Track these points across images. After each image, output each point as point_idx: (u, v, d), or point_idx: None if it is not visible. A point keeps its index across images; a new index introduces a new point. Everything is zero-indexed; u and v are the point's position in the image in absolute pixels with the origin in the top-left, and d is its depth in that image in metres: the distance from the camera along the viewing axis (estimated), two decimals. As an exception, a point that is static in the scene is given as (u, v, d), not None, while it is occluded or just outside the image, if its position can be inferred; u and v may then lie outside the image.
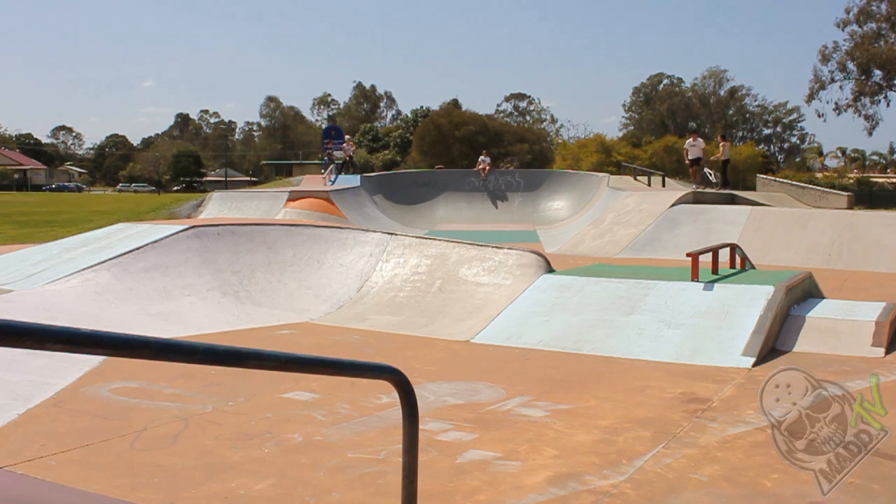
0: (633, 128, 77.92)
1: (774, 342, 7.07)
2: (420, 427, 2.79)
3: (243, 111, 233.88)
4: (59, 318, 7.25)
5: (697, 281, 8.09)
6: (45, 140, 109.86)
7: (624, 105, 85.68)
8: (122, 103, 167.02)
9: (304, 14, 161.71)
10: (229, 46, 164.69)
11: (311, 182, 26.03)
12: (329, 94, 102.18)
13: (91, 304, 8.15)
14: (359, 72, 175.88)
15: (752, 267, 10.37)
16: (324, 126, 67.03)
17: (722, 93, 77.97)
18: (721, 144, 23.26)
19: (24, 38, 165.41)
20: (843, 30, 42.89)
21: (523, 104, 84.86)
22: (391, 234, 10.99)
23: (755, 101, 78.58)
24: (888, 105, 45.08)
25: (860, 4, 42.05)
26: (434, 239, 10.87)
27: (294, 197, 20.96)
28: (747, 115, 78.53)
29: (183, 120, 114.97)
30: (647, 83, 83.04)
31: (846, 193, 26.09)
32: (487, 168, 26.46)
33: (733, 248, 10.38)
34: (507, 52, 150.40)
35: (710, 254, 8.86)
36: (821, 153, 76.80)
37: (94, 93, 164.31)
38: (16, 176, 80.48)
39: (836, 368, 6.24)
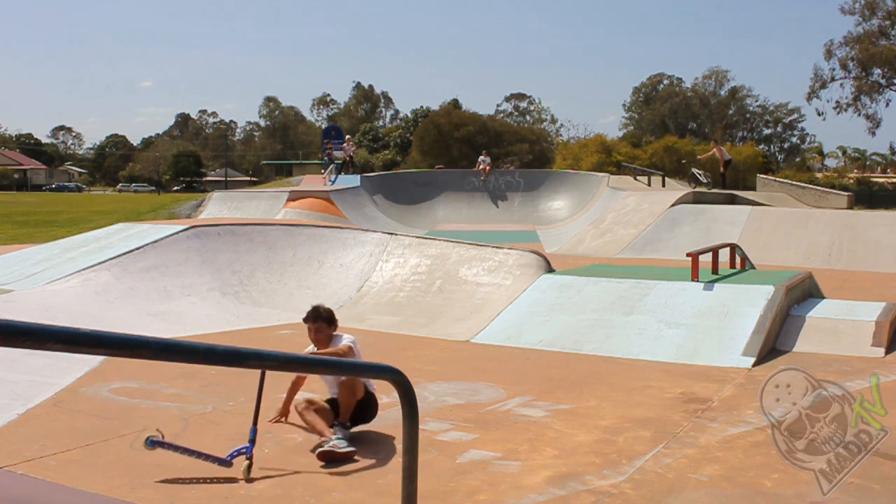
0: (633, 128, 77.83)
1: (774, 342, 7.06)
2: (420, 427, 2.79)
3: (243, 111, 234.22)
4: (59, 318, 7.25)
5: (697, 281, 8.08)
6: (45, 140, 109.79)
7: (624, 105, 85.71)
8: (121, 103, 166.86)
9: (303, 14, 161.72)
10: (229, 46, 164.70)
11: (311, 182, 26.04)
12: (328, 94, 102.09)
13: (91, 304, 8.15)
14: (358, 72, 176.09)
15: (752, 267, 10.37)
16: (323, 126, 67.01)
17: (722, 93, 77.93)
18: (717, 148, 24.34)
19: (24, 38, 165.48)
20: (846, 15, 42.76)
21: (523, 104, 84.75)
22: (391, 234, 10.99)
23: (756, 101, 78.59)
24: (888, 105, 45.05)
25: None
26: (434, 239, 10.87)
27: (294, 197, 20.95)
28: (748, 115, 78.44)
29: (183, 120, 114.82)
30: (647, 83, 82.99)
31: (846, 193, 26.08)
32: (487, 168, 26.45)
33: (733, 248, 10.38)
34: (507, 52, 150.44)
35: (710, 254, 8.86)
36: (821, 153, 76.73)
37: (94, 93, 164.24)
38: (16, 176, 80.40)
39: (836, 368, 6.24)
